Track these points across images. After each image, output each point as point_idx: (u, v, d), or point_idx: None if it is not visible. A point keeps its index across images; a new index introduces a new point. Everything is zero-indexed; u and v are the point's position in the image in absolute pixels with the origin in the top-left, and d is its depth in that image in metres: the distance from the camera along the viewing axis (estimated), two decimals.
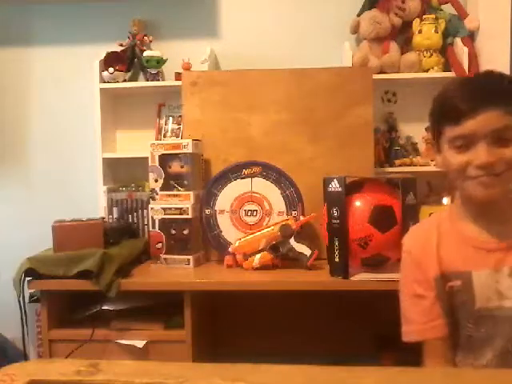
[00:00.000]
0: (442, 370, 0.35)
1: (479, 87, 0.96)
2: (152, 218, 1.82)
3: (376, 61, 2.14)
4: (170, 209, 1.80)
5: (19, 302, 1.64)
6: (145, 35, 2.29)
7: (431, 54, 2.14)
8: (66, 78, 2.40)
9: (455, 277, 1.00)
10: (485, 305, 0.96)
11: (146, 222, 2.07)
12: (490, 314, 0.96)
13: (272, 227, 1.78)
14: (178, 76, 2.17)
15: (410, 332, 1.05)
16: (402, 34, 2.24)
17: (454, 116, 0.94)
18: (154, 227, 1.83)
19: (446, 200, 2.17)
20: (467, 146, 0.94)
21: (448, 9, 2.21)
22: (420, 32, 2.14)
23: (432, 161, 2.16)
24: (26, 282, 1.64)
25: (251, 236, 1.79)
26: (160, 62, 2.24)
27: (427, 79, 2.15)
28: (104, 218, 2.01)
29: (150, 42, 2.30)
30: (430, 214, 2.08)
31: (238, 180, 1.86)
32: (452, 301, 1.01)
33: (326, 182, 1.61)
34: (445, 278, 1.02)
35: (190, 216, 1.79)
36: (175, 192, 1.83)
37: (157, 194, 1.85)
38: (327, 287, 1.62)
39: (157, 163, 1.84)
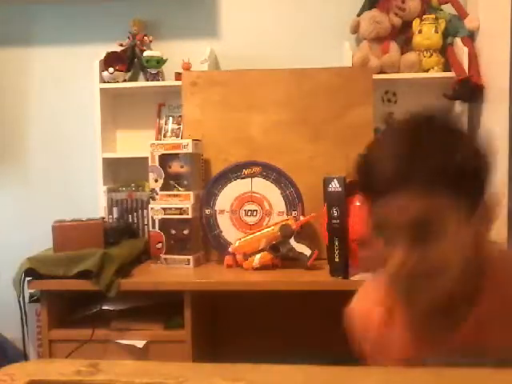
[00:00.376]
0: (441, 370, 0.35)
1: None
2: (152, 218, 1.82)
3: (376, 61, 2.14)
4: (170, 209, 1.80)
5: (19, 302, 1.64)
6: (145, 35, 2.29)
7: (431, 54, 2.14)
8: (66, 78, 2.40)
9: None
10: None
11: (145, 222, 2.07)
12: None
13: (272, 227, 1.78)
14: (178, 76, 2.17)
15: None
16: (402, 34, 2.24)
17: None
18: (154, 227, 1.83)
19: None
20: None
21: (448, 9, 2.21)
22: (420, 32, 2.14)
23: None
24: (26, 282, 1.64)
25: (251, 236, 1.79)
26: (160, 62, 2.24)
27: (427, 79, 2.15)
28: (104, 218, 2.01)
29: (150, 42, 2.29)
30: None
31: (238, 180, 1.86)
32: None
33: (326, 182, 1.61)
34: None
35: (189, 216, 1.79)
36: (175, 192, 1.83)
37: (157, 194, 1.85)
38: (327, 287, 1.62)
39: (157, 163, 1.84)
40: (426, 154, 0.72)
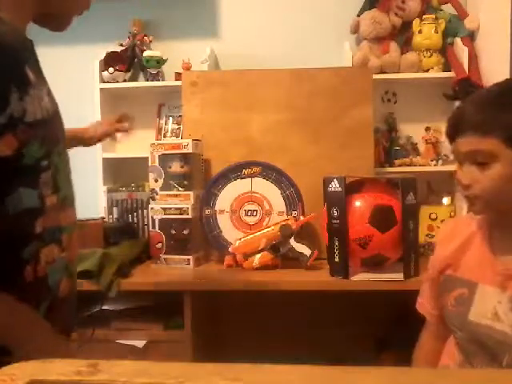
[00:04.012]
0: (441, 370, 0.35)
1: (466, 111, 0.97)
2: (152, 217, 1.82)
3: (376, 61, 2.14)
4: (170, 209, 1.80)
5: None
6: (145, 35, 2.29)
7: (431, 54, 2.14)
8: (66, 77, 2.40)
9: (461, 284, 1.00)
10: (477, 319, 0.96)
11: (145, 222, 2.07)
12: (478, 330, 0.95)
13: (272, 227, 1.78)
14: (177, 76, 2.17)
15: (418, 303, 1.17)
16: (402, 34, 2.24)
17: (449, 134, 0.99)
18: (154, 227, 1.83)
19: (445, 200, 2.17)
20: (460, 164, 0.97)
21: (448, 9, 2.21)
22: (420, 32, 2.14)
23: (432, 161, 2.16)
24: None
25: (251, 236, 1.79)
26: (160, 62, 2.24)
27: (427, 79, 2.15)
28: (104, 218, 2.01)
29: (150, 42, 2.30)
30: (429, 214, 2.09)
31: (238, 180, 1.86)
32: (449, 306, 1.01)
33: (326, 182, 1.61)
34: (449, 280, 1.03)
35: (189, 216, 1.79)
36: (175, 192, 1.83)
37: (157, 194, 1.85)
38: (327, 287, 1.62)
39: (157, 163, 1.84)
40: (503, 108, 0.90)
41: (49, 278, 0.85)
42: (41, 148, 0.80)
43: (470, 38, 2.14)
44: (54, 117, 0.87)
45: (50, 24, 0.94)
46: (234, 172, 1.86)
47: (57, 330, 0.89)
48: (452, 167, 2.15)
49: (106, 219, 2.04)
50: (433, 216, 2.08)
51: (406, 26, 2.20)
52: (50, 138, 0.83)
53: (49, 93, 0.87)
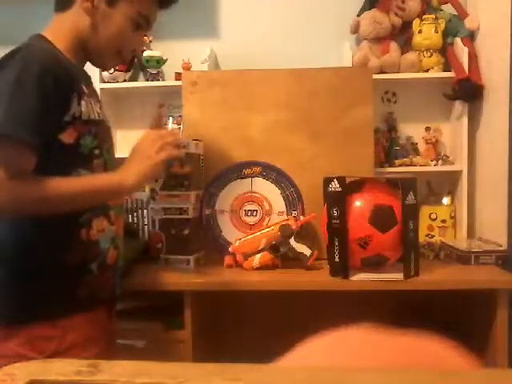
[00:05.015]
0: (441, 370, 0.35)
1: None
2: (152, 217, 1.82)
3: (376, 61, 2.14)
4: (170, 209, 1.80)
5: None
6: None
7: (431, 54, 2.14)
8: None
9: None
10: None
11: (145, 222, 2.07)
12: None
13: (272, 227, 1.78)
14: (178, 76, 2.17)
15: None
16: (402, 34, 2.24)
17: None
18: (154, 227, 1.83)
19: (445, 200, 2.17)
20: None
21: (448, 9, 2.21)
22: (420, 32, 2.14)
23: (432, 161, 2.16)
24: None
25: (251, 236, 1.79)
26: (160, 62, 2.24)
27: (427, 79, 2.15)
28: None
29: (150, 42, 2.29)
30: (429, 214, 2.09)
31: (238, 180, 1.86)
32: None
33: (326, 182, 1.61)
34: None
35: (190, 216, 1.79)
36: (175, 192, 1.83)
37: (157, 194, 1.84)
38: (327, 287, 1.62)
39: None
40: None
41: (100, 243, 1.14)
42: (93, 141, 1.12)
43: (470, 38, 2.14)
44: (103, 123, 1.20)
45: (94, 62, 1.25)
46: (234, 172, 1.86)
47: (102, 290, 1.18)
48: (452, 167, 2.15)
49: None
50: (433, 216, 2.08)
51: (406, 26, 2.20)
52: (100, 135, 1.15)
53: (100, 107, 1.21)
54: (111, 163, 1.20)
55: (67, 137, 1.06)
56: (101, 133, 1.15)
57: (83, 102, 1.09)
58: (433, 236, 2.05)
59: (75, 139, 1.07)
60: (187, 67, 2.20)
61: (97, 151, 1.13)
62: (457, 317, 1.82)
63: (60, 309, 1.10)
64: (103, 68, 1.33)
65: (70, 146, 1.07)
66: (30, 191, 1.00)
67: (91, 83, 1.25)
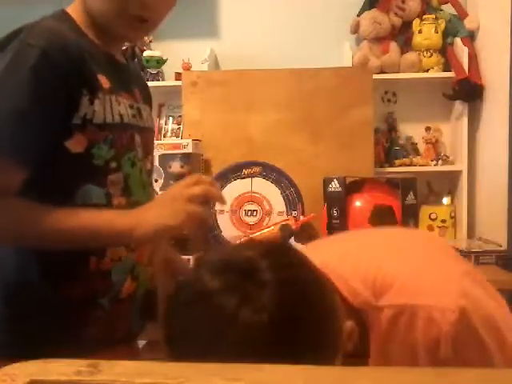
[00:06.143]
0: (443, 369, 0.35)
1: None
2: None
3: (376, 61, 2.14)
4: None
5: None
6: None
7: (431, 54, 2.14)
8: None
9: None
10: None
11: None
12: None
13: (272, 227, 1.78)
14: (178, 76, 2.17)
15: None
16: (402, 34, 2.24)
17: None
18: None
19: (445, 200, 2.17)
20: None
21: (448, 9, 2.21)
22: (420, 32, 2.14)
23: (432, 161, 2.16)
24: None
25: (251, 236, 1.79)
26: (160, 62, 2.24)
27: (427, 79, 2.15)
28: None
29: (150, 42, 2.29)
30: (429, 214, 2.09)
31: (238, 180, 1.86)
32: None
33: (326, 182, 1.61)
34: None
35: None
36: None
37: (157, 194, 1.84)
38: None
39: (157, 163, 1.84)
40: None
41: (112, 274, 0.89)
42: (109, 150, 0.86)
43: (470, 38, 2.14)
44: (131, 127, 0.92)
45: (110, 33, 0.93)
46: (234, 172, 1.86)
47: (115, 330, 0.93)
48: (452, 167, 2.15)
49: None
50: (433, 216, 2.08)
51: (406, 25, 2.20)
52: (120, 143, 0.89)
53: (132, 106, 0.93)
54: (139, 177, 0.94)
55: (75, 145, 0.83)
56: (122, 138, 0.90)
57: (97, 101, 0.84)
58: None
59: (86, 148, 0.83)
60: (187, 67, 2.20)
61: (113, 164, 0.87)
62: None
63: (62, 352, 0.66)
64: (124, 38, 0.98)
65: (78, 156, 0.83)
66: (3, 216, 0.79)
67: (126, 71, 0.97)
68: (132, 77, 0.99)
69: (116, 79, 0.90)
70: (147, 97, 1.04)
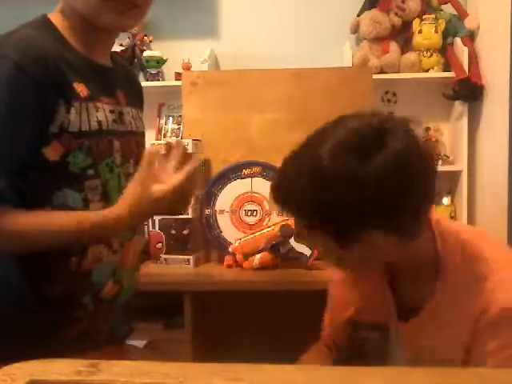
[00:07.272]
0: (443, 369, 0.35)
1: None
2: (152, 217, 1.82)
3: (376, 61, 2.14)
4: None
5: None
6: (145, 35, 2.29)
7: (431, 54, 2.14)
8: None
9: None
10: None
11: (145, 222, 2.07)
12: None
13: (272, 227, 1.78)
14: (177, 76, 2.17)
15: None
16: (402, 33, 2.24)
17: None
18: (153, 227, 1.82)
19: (445, 200, 2.17)
20: None
21: (448, 9, 2.21)
22: (420, 32, 2.15)
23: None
24: None
25: (251, 236, 1.79)
26: (160, 62, 2.25)
27: (427, 79, 2.15)
28: None
29: (150, 42, 2.30)
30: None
31: (238, 180, 1.86)
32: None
33: None
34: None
35: (190, 216, 1.79)
36: None
37: None
38: (327, 287, 1.62)
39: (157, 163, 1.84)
40: None
41: (92, 274, 0.91)
42: (86, 158, 0.87)
43: (470, 38, 2.14)
44: (111, 132, 0.93)
45: (95, 22, 0.90)
46: (234, 172, 1.86)
47: (96, 332, 0.96)
48: (452, 167, 2.15)
49: None
50: None
51: (406, 26, 2.20)
52: (98, 150, 0.89)
53: (113, 111, 0.94)
54: (118, 183, 0.95)
55: (52, 152, 0.84)
56: (100, 147, 0.90)
57: (73, 110, 0.85)
58: None
59: (61, 156, 0.84)
60: (187, 67, 2.20)
61: (91, 171, 0.88)
62: None
63: (43, 351, 0.67)
64: (112, 28, 0.93)
65: (55, 163, 0.84)
66: None
67: (110, 75, 0.97)
68: (117, 80, 0.99)
69: (96, 85, 0.91)
70: (137, 99, 1.05)
